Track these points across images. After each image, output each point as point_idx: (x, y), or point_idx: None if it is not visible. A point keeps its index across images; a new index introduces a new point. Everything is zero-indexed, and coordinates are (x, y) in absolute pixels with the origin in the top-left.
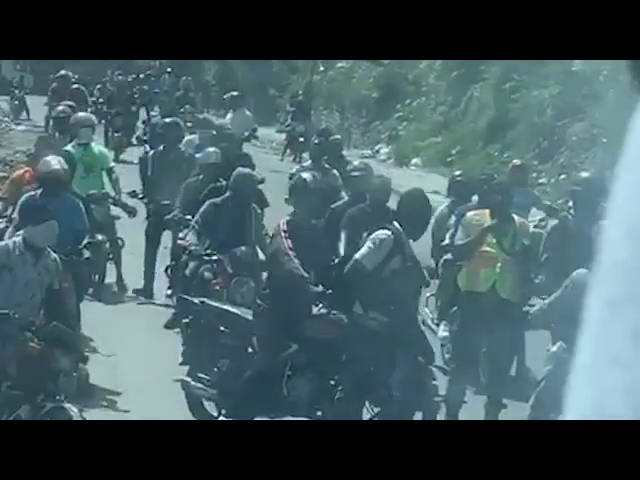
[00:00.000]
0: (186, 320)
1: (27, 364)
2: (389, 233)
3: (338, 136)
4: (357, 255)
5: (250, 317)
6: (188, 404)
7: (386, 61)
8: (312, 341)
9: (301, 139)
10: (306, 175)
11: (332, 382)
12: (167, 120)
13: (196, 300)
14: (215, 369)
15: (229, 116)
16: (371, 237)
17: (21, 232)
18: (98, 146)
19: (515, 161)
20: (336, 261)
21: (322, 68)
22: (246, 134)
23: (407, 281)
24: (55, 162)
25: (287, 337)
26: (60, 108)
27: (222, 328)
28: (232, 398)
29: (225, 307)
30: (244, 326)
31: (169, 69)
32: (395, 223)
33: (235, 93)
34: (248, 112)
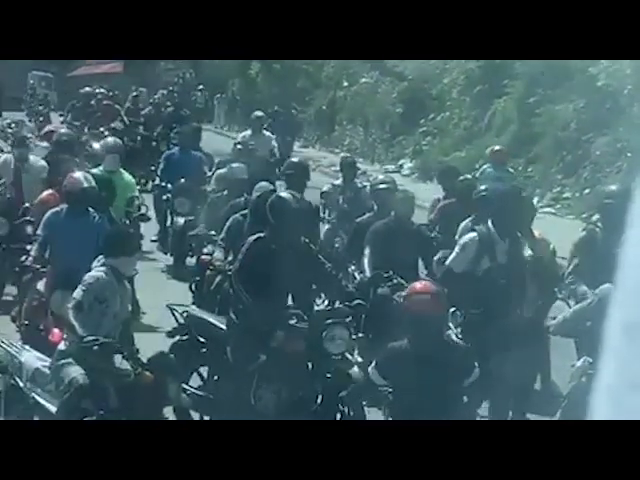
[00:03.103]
0: (170, 329)
1: (140, 393)
2: (473, 235)
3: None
4: (447, 261)
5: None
6: (175, 413)
7: (410, 76)
8: (280, 353)
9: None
10: (285, 194)
11: (300, 394)
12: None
13: (180, 309)
14: (195, 378)
15: (245, 133)
16: (459, 242)
17: (107, 262)
18: (125, 173)
19: (495, 147)
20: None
21: (346, 83)
22: (272, 160)
23: (502, 276)
24: (82, 179)
25: (257, 348)
26: (63, 131)
27: (201, 338)
28: (208, 407)
29: (205, 317)
30: (222, 337)
31: (201, 86)
32: (489, 223)
33: (259, 113)
34: (268, 133)
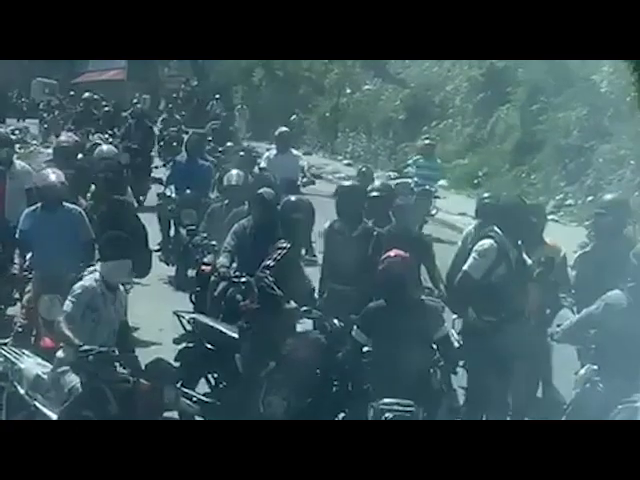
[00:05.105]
0: (176, 336)
1: (139, 400)
2: (492, 242)
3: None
4: (465, 266)
5: (236, 335)
6: (180, 419)
7: (413, 83)
8: (290, 360)
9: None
10: (295, 198)
11: (308, 400)
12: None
13: (187, 316)
14: (202, 386)
15: (270, 153)
16: (476, 247)
17: (97, 267)
18: None
19: (425, 140)
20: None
21: (349, 90)
22: (303, 179)
23: (515, 284)
24: (51, 175)
25: (267, 355)
26: (63, 138)
27: (209, 345)
28: (215, 414)
29: (212, 324)
30: (230, 344)
31: (217, 95)
32: (496, 229)
33: (284, 129)
34: (296, 151)
